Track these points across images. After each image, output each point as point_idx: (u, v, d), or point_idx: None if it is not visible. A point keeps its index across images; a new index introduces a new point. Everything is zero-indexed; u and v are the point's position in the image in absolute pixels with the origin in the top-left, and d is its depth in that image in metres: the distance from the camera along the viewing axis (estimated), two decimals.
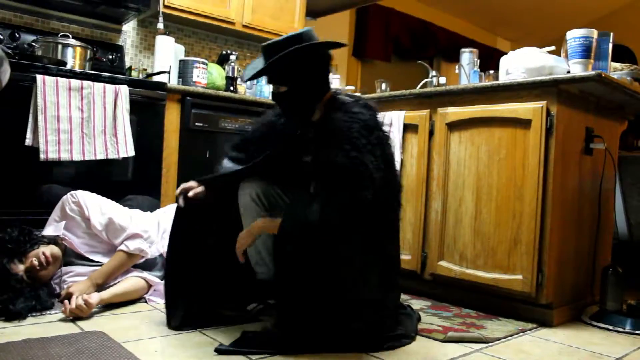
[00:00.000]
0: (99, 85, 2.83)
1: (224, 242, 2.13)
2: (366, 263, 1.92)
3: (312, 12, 4.74)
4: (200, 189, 2.14)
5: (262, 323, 2.10)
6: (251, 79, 2.06)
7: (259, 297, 2.29)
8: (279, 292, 1.96)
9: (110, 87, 2.87)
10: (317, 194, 1.90)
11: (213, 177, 2.19)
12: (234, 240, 2.03)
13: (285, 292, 1.91)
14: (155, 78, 3.40)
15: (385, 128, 2.05)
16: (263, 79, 3.96)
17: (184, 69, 3.54)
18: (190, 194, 2.11)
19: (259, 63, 2.04)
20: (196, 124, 3.32)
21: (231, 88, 3.71)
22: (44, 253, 2.24)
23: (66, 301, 2.09)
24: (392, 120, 2.93)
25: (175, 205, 2.85)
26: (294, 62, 1.94)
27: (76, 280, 2.29)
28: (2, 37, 3.24)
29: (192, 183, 2.16)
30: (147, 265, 2.50)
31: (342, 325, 1.91)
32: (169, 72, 3.44)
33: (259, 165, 2.11)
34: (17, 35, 3.29)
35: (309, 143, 2.06)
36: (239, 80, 3.77)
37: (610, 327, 2.36)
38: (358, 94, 2.18)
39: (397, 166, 2.16)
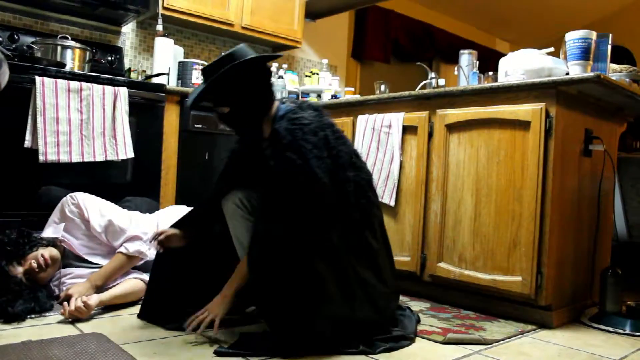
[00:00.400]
0: (98, 87, 2.83)
1: (220, 247, 2.15)
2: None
3: (311, 14, 4.75)
4: (173, 231, 2.16)
5: (260, 325, 2.10)
6: (193, 106, 1.99)
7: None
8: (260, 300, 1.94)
9: (109, 89, 2.87)
10: (259, 209, 1.92)
11: (185, 216, 2.21)
12: (230, 244, 2.07)
13: (264, 300, 1.90)
14: (155, 80, 3.41)
15: (334, 127, 2.03)
16: None
17: (183, 71, 3.55)
18: (162, 237, 2.13)
19: (197, 88, 2.02)
20: (195, 125, 3.32)
21: None
22: (42, 255, 2.24)
23: (65, 303, 2.09)
24: (392, 122, 2.93)
25: (174, 207, 2.87)
26: (231, 81, 1.91)
27: (75, 282, 2.29)
28: (1, 38, 3.24)
29: (166, 229, 2.19)
30: (147, 267, 2.49)
31: (339, 328, 1.91)
32: (168, 74, 3.44)
33: (233, 182, 2.12)
34: (16, 37, 3.29)
35: (264, 159, 2.03)
36: None
37: (610, 329, 2.36)
38: (302, 100, 2.14)
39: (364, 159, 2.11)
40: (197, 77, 3.52)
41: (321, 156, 1.87)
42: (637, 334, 2.31)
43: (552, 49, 2.63)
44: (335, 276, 1.87)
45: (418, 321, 2.26)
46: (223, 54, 1.97)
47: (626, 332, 2.33)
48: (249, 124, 2.02)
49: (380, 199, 2.95)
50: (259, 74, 1.99)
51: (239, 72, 1.90)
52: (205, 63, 3.61)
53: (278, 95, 2.11)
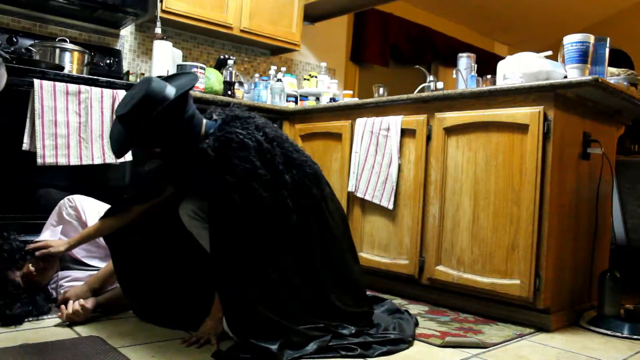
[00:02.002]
0: (96, 90, 2.83)
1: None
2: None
3: (310, 17, 4.75)
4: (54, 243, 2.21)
5: None
6: (119, 155, 1.96)
7: None
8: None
9: (107, 92, 2.87)
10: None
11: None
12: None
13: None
14: None
15: (266, 128, 2.00)
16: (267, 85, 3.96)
17: None
18: (42, 252, 2.16)
19: (118, 134, 1.93)
20: None
21: (229, 92, 3.71)
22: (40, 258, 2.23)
23: (63, 306, 2.08)
24: (390, 125, 2.93)
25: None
26: (157, 127, 1.86)
27: (73, 285, 2.28)
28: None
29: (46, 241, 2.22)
30: None
31: (335, 332, 1.91)
32: None
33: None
34: (15, 40, 3.29)
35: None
36: (236, 85, 3.77)
37: (608, 332, 2.36)
38: (228, 108, 2.08)
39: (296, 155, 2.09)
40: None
41: (255, 170, 1.86)
42: (635, 337, 2.31)
43: (550, 53, 2.63)
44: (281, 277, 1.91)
45: (416, 324, 2.26)
46: (133, 92, 1.87)
47: (624, 335, 2.33)
48: (184, 154, 1.96)
49: (378, 203, 2.96)
50: (181, 108, 1.90)
51: (163, 117, 1.83)
52: (204, 66, 3.62)
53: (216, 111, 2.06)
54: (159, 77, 2.09)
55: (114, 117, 1.97)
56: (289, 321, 1.87)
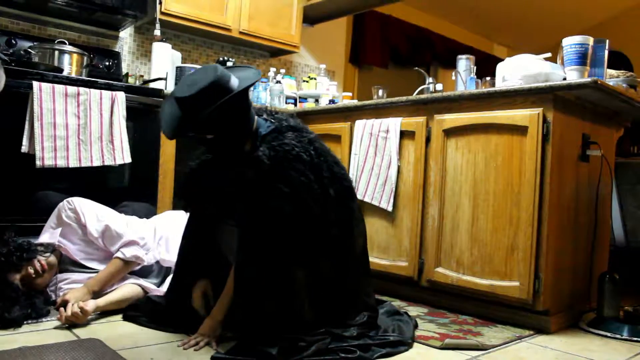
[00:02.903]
0: (95, 92, 2.83)
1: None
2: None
3: (309, 19, 4.75)
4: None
5: None
6: (173, 137, 1.97)
7: None
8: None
9: (106, 94, 2.87)
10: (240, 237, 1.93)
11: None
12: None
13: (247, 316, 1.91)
14: (152, 85, 3.41)
15: (315, 142, 2.05)
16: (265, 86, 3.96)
17: (181, 76, 3.55)
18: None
19: (172, 116, 1.91)
20: None
21: None
22: (39, 261, 2.23)
23: (62, 308, 2.08)
24: (389, 127, 2.93)
25: (171, 212, 2.86)
26: (222, 112, 1.86)
27: (72, 288, 2.28)
28: None
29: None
30: (144, 272, 2.49)
31: (335, 334, 1.91)
32: (165, 79, 3.44)
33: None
34: (14, 42, 3.29)
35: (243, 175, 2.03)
36: None
37: (608, 334, 2.36)
38: (279, 112, 2.13)
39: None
40: None
41: (309, 183, 1.90)
42: (635, 339, 2.31)
43: (549, 54, 2.64)
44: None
45: (416, 326, 2.26)
46: (194, 75, 1.88)
47: (624, 337, 2.33)
48: (234, 147, 1.99)
49: (377, 204, 2.96)
50: (245, 98, 1.96)
51: (227, 106, 1.84)
52: None
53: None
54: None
55: (169, 98, 1.94)
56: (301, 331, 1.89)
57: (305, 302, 1.94)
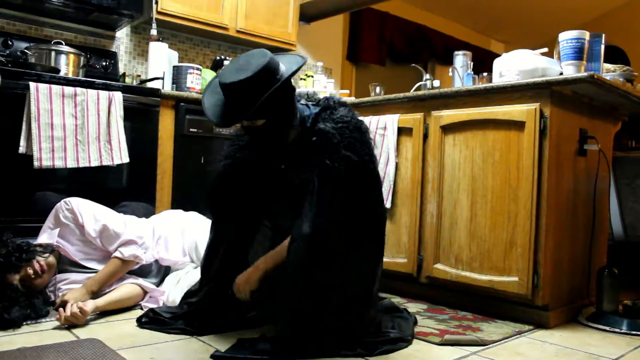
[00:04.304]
0: (92, 92, 2.83)
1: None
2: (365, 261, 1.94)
3: (306, 17, 4.75)
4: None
5: (257, 330, 2.09)
6: (227, 125, 1.95)
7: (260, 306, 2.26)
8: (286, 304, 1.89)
9: (104, 94, 2.87)
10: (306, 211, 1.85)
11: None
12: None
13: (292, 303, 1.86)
14: (149, 84, 3.40)
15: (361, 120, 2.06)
16: None
17: (178, 75, 3.54)
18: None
19: (214, 103, 1.88)
20: (190, 129, 3.32)
21: None
22: (38, 261, 2.23)
23: (61, 309, 2.08)
24: (387, 124, 2.93)
25: (170, 211, 2.86)
26: (275, 97, 1.81)
27: (71, 288, 2.28)
28: None
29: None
30: (143, 271, 2.49)
31: (337, 331, 1.91)
32: (162, 78, 3.44)
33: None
34: (10, 43, 3.29)
35: (290, 163, 2.03)
36: None
37: (607, 328, 2.36)
38: (325, 96, 2.14)
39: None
40: (192, 82, 3.51)
41: (370, 152, 1.93)
42: (634, 333, 2.32)
43: (546, 50, 2.64)
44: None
45: (415, 323, 2.26)
46: (240, 60, 1.84)
47: (623, 331, 2.33)
48: (282, 134, 1.96)
49: None
50: (291, 85, 1.94)
51: (279, 91, 1.81)
52: (200, 67, 3.61)
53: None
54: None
55: (209, 88, 1.93)
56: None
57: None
